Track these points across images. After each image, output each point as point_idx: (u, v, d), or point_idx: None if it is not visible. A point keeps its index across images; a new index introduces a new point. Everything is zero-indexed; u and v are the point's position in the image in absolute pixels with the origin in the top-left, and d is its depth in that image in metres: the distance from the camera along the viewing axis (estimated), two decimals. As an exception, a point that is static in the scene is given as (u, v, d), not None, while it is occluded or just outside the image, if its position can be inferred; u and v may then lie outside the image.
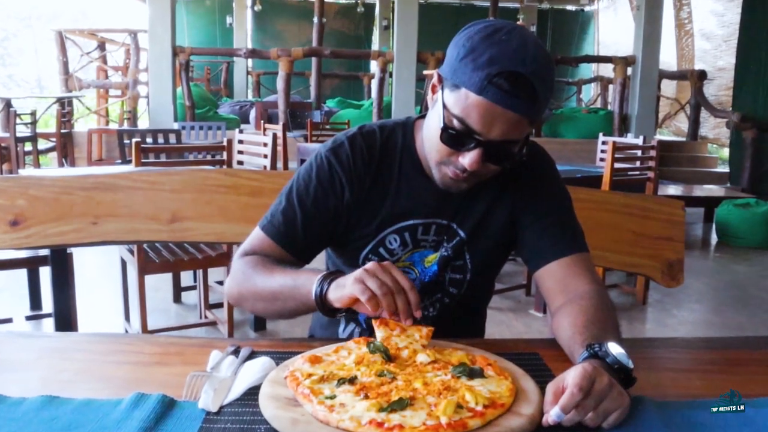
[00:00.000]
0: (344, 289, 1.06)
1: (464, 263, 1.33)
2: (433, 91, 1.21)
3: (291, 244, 1.28)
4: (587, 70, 14.09)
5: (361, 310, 1.07)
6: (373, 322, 1.06)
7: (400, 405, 0.85)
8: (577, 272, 1.25)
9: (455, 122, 1.12)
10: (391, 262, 1.09)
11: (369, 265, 1.06)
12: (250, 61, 13.24)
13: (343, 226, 1.30)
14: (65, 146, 8.25)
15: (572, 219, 1.34)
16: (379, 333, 1.05)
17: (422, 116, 1.30)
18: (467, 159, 1.14)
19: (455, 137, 1.14)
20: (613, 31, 14.16)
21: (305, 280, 1.13)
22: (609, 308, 1.18)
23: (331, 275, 1.11)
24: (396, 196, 1.29)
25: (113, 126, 10.07)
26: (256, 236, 1.30)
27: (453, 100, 1.12)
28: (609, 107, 10.93)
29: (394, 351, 1.02)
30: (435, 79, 1.20)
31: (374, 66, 10.02)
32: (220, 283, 3.62)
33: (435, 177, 1.24)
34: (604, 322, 1.11)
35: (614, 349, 0.97)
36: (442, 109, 1.14)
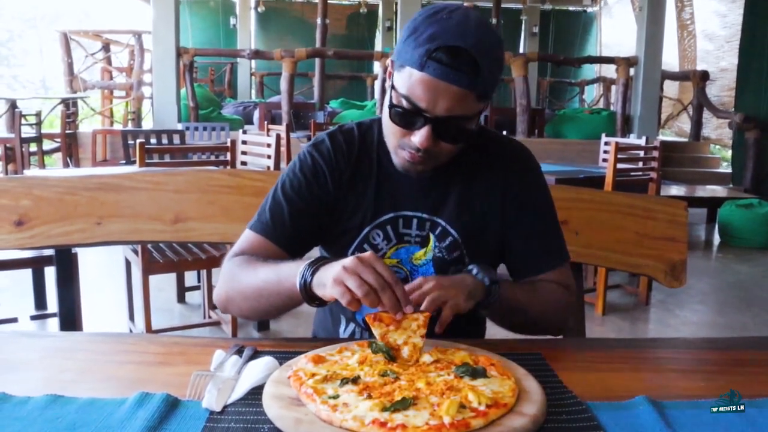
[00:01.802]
0: (325, 289, 1.03)
1: (463, 267, 1.32)
2: (388, 78, 1.23)
3: (280, 238, 1.28)
4: (590, 70, 14.08)
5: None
6: (366, 318, 1.04)
7: (403, 405, 0.85)
8: (557, 281, 1.33)
9: (403, 101, 1.14)
10: (375, 255, 1.05)
11: (348, 260, 1.02)
12: (253, 62, 13.24)
13: (327, 219, 1.31)
14: (70, 147, 8.27)
15: (555, 228, 1.37)
16: (375, 331, 1.04)
17: None
18: (418, 137, 1.16)
19: (403, 116, 1.16)
20: (615, 32, 14.14)
21: (288, 274, 1.11)
22: (553, 295, 1.30)
23: (314, 264, 1.09)
24: (376, 191, 1.31)
25: (117, 127, 10.07)
26: (244, 237, 1.31)
27: (400, 81, 1.14)
28: (611, 108, 10.91)
29: (394, 352, 1.02)
30: (390, 66, 1.21)
31: (377, 67, 10.02)
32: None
33: (395, 162, 1.26)
34: (533, 288, 1.29)
35: (485, 271, 1.17)
36: (390, 90, 1.17)
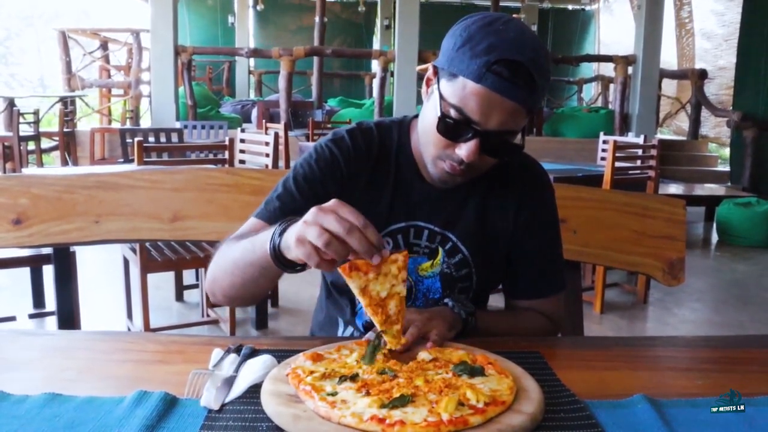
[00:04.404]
0: (290, 251, 0.96)
1: (470, 284, 1.32)
2: (428, 85, 1.20)
3: None
4: (588, 69, 14.08)
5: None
6: (340, 270, 0.94)
7: (402, 401, 0.85)
8: (544, 310, 1.34)
9: (452, 112, 1.11)
10: (340, 201, 0.95)
11: (309, 213, 0.93)
12: (251, 60, 13.24)
13: None
14: (68, 145, 8.26)
15: (557, 257, 1.37)
16: (352, 284, 0.95)
17: (418, 116, 1.29)
18: (464, 150, 1.12)
19: (452, 127, 1.12)
20: (613, 30, 14.15)
21: (262, 240, 1.03)
22: (533, 327, 1.31)
23: (282, 224, 1.00)
24: (390, 198, 1.28)
25: (116, 125, 10.07)
26: (248, 223, 1.26)
27: (450, 90, 1.11)
28: (610, 106, 10.93)
29: (382, 323, 1.00)
30: (430, 72, 1.18)
31: (375, 65, 10.02)
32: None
33: (431, 172, 1.22)
34: (514, 318, 1.32)
35: (462, 304, 1.19)
36: (438, 100, 1.13)
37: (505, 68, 1.05)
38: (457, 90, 1.10)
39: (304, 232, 0.92)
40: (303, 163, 1.28)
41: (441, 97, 1.13)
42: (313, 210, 0.93)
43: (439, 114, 1.13)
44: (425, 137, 1.20)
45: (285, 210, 1.22)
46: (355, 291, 0.97)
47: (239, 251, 1.11)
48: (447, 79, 1.12)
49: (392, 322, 1.00)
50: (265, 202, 1.27)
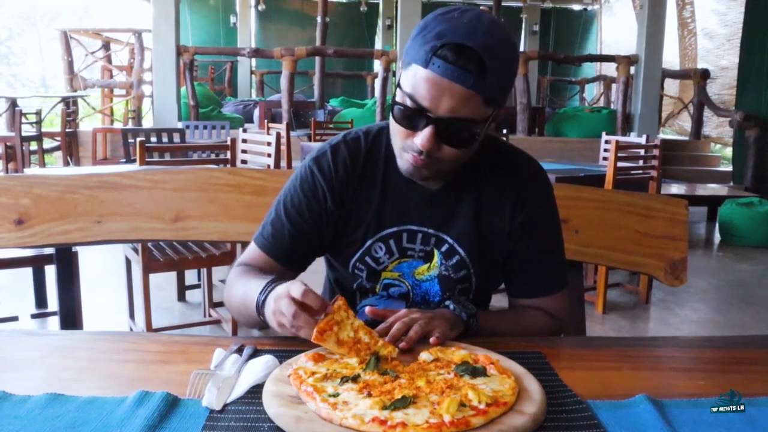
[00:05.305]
0: (270, 322, 1.07)
1: (470, 285, 1.31)
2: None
3: (279, 254, 1.28)
4: (590, 69, 14.08)
5: None
6: (315, 341, 1.00)
7: (403, 403, 0.85)
8: (546, 308, 1.34)
9: (407, 100, 1.11)
10: (286, 288, 1.05)
11: (273, 296, 1.05)
12: (253, 60, 13.25)
13: (330, 234, 1.30)
14: (70, 145, 8.28)
15: (557, 255, 1.36)
16: (328, 343, 1.01)
17: None
18: (419, 138, 1.12)
19: (406, 115, 1.12)
20: (615, 30, 14.14)
21: (252, 298, 1.13)
22: (536, 325, 1.31)
23: (264, 293, 1.10)
24: (381, 204, 1.28)
25: (118, 125, 10.09)
26: (250, 248, 1.32)
27: (405, 79, 1.12)
28: (612, 106, 10.92)
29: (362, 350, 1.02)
30: (401, 67, 1.19)
31: (377, 65, 10.02)
32: (224, 281, 3.62)
33: (399, 165, 1.22)
34: (516, 317, 1.32)
35: (462, 306, 1.20)
36: (395, 89, 1.14)
37: (450, 52, 1.05)
38: (409, 78, 1.10)
39: (277, 316, 1.04)
40: (290, 186, 1.31)
41: (398, 86, 1.14)
42: (275, 297, 1.05)
43: (392, 102, 1.14)
44: (391, 130, 1.21)
45: (276, 238, 1.29)
46: (333, 348, 1.01)
47: (241, 293, 1.20)
48: (404, 68, 1.13)
49: (373, 344, 1.03)
50: (262, 225, 1.32)
